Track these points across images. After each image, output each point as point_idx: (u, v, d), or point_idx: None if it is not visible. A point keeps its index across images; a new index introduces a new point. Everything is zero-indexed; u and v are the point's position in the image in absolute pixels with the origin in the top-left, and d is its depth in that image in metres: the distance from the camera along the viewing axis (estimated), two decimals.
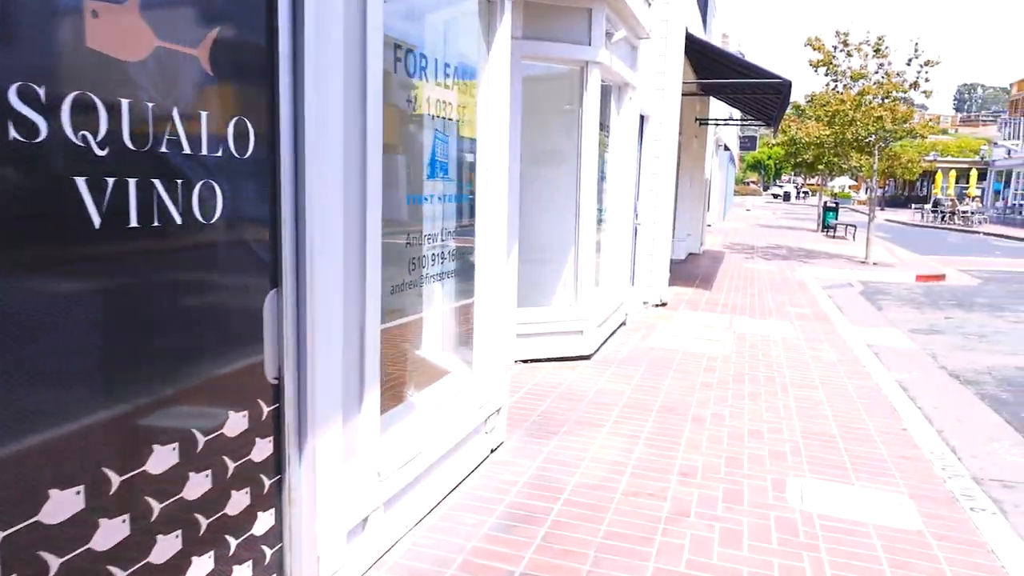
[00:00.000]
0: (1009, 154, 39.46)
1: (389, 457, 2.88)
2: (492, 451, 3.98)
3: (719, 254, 17.14)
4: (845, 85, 15.97)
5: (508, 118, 4.00)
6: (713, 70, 11.97)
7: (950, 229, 33.27)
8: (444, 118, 3.46)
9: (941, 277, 14.64)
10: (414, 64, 3.08)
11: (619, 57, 6.77)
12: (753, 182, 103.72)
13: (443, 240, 3.67)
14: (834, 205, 27.04)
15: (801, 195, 70.22)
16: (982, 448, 4.86)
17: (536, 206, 6.84)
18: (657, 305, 9.35)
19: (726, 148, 27.97)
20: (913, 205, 45.76)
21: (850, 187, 63.57)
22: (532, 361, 6.00)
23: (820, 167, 25.43)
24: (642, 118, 8.84)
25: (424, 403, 3.49)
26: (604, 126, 7.27)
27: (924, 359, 7.48)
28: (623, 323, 7.87)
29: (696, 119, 15.59)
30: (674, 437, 4.44)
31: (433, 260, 3.58)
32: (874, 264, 15.71)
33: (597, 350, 6.52)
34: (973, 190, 39.90)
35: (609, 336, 7.15)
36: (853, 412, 5.16)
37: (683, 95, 13.22)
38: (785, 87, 9.80)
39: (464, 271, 4.00)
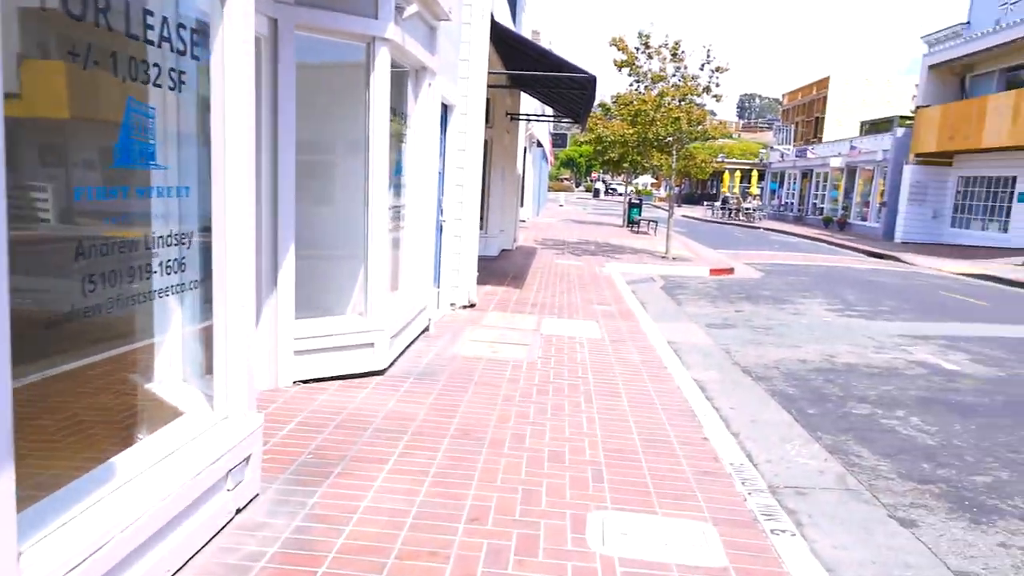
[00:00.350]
0: (782, 157, 44.14)
1: (48, 563, 2.01)
2: (238, 511, 3.17)
3: (532, 250, 17.15)
4: (647, 86, 16.57)
5: (251, 90, 3.19)
6: (522, 62, 11.72)
7: (736, 225, 36.55)
8: (146, 83, 2.60)
9: (731, 271, 15.64)
10: (84, 3, 2.20)
11: (414, 37, 6.11)
12: (567, 179, 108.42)
13: (154, 247, 2.80)
14: (638, 202, 28.48)
15: (609, 192, 74.19)
16: (776, 451, 4.83)
17: (323, 203, 6.03)
18: (465, 307, 8.86)
19: (539, 144, 28.42)
20: (705, 202, 49.93)
21: (652, 185, 68.17)
22: (314, 381, 5.20)
23: (625, 165, 26.60)
24: (445, 107, 8.27)
25: (127, 467, 2.62)
26: (401, 114, 6.61)
27: (720, 355, 7.63)
28: (426, 329, 7.26)
29: (507, 113, 15.39)
30: (468, 469, 3.89)
31: (139, 273, 2.70)
32: (673, 259, 16.49)
33: (392, 363, 5.85)
34: (754, 189, 44.21)
35: (408, 345, 6.50)
36: (656, 421, 4.94)
37: (492, 87, 12.87)
38: (590, 82, 9.71)
39: (205, 283, 3.16)
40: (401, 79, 6.60)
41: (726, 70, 16.08)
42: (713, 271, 15.41)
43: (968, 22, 28.46)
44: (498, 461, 4.03)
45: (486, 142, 14.58)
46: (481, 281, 10.87)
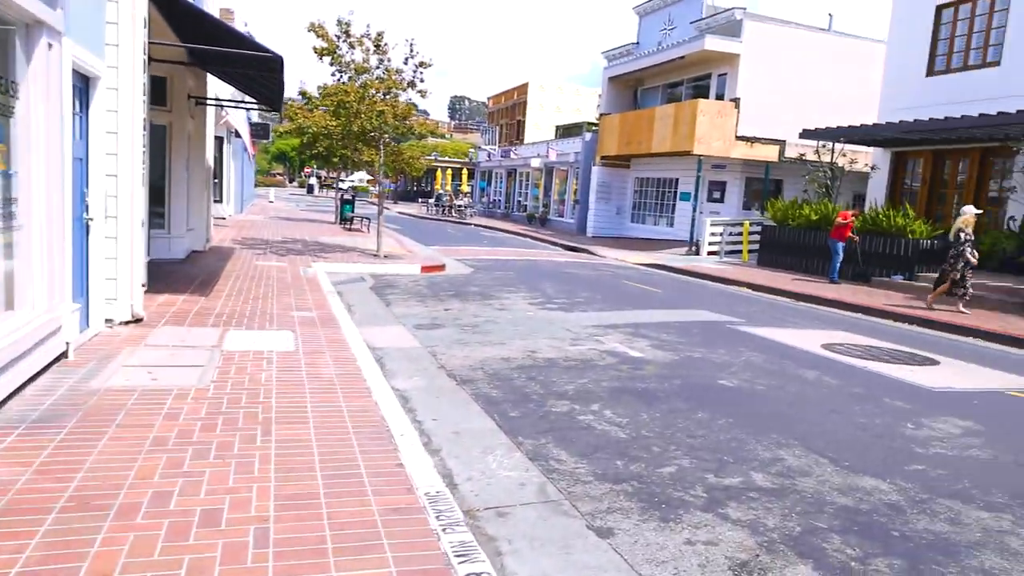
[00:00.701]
0: (489, 157, 46.39)
1: None
2: None
3: (229, 251, 15.41)
4: (350, 77, 15.81)
5: None
6: (201, 37, 10.20)
7: (449, 221, 37.47)
8: None
9: (442, 267, 15.61)
10: None
11: None
12: (279, 173, 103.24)
13: None
14: (351, 198, 27.59)
15: (324, 187, 71.80)
16: (478, 466, 4.48)
17: None
18: (128, 322, 7.34)
19: (238, 135, 26.02)
20: (420, 199, 50.61)
21: (368, 181, 67.44)
22: None
23: (335, 160, 25.53)
24: (86, 79, 6.71)
25: None
26: (4, 80, 5.06)
27: (426, 360, 7.24)
28: (63, 355, 5.75)
29: (190, 96, 13.51)
30: (73, 558, 2.85)
31: None
32: (385, 257, 16.00)
33: None
34: (465, 187, 45.83)
35: (28, 382, 5.00)
36: (346, 450, 4.29)
37: (163, 62, 11.11)
38: (276, 63, 8.69)
39: None
40: (3, 37, 5.06)
41: (430, 65, 15.98)
42: (425, 268, 15.23)
43: (638, 42, 32.39)
44: (124, 538, 3.04)
45: (163, 127, 12.70)
46: (157, 290, 9.28)
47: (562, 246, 25.16)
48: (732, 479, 4.47)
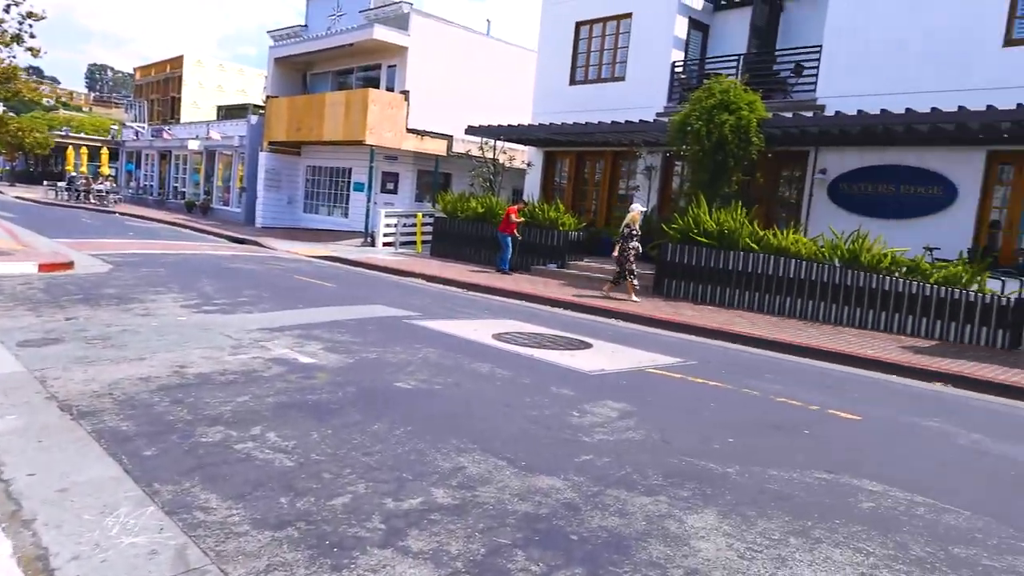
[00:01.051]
0: (138, 136, 40.64)
1: None
2: None
3: None
4: None
5: None
6: None
7: (86, 208, 31.92)
8: None
9: (69, 266, 12.91)
10: None
11: None
12: None
13: None
14: None
15: None
16: (91, 535, 3.41)
17: None
18: None
19: None
20: (47, 182, 42.30)
21: None
22: None
23: None
24: None
25: None
26: None
27: (30, 388, 5.62)
28: None
29: None
30: None
31: None
32: None
33: None
34: (106, 169, 39.52)
35: None
36: None
37: None
38: None
39: None
40: None
41: (42, 17, 13.04)
42: (45, 266, 12.43)
43: (306, 25, 30.95)
44: None
45: None
46: None
47: (227, 238, 22.93)
48: (412, 500, 4.07)
